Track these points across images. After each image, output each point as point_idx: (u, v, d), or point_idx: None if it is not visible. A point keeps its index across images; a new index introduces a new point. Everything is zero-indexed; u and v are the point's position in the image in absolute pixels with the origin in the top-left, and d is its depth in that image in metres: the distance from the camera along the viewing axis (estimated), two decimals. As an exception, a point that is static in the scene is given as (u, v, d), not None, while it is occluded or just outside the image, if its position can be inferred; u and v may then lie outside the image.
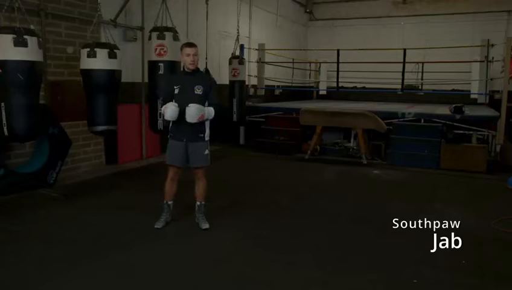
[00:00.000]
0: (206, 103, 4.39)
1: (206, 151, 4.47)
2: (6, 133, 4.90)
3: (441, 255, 3.99)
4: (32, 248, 3.99)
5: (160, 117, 4.41)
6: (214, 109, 4.40)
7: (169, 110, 4.22)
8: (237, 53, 9.61)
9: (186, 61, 4.36)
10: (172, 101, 4.35)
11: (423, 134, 8.35)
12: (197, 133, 4.39)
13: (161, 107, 4.54)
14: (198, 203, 4.58)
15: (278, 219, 4.98)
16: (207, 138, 4.47)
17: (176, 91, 4.35)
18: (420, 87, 12.91)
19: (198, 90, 4.35)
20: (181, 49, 4.45)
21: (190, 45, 4.45)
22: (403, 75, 10.42)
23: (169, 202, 4.57)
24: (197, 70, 4.48)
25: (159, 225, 4.49)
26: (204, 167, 4.52)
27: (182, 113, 4.22)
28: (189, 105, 4.20)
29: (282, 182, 6.88)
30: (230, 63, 9.42)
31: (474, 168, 7.67)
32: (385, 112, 9.04)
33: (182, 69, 4.57)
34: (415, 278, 3.56)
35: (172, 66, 6.51)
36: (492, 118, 8.36)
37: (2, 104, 4.85)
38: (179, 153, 4.39)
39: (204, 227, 4.49)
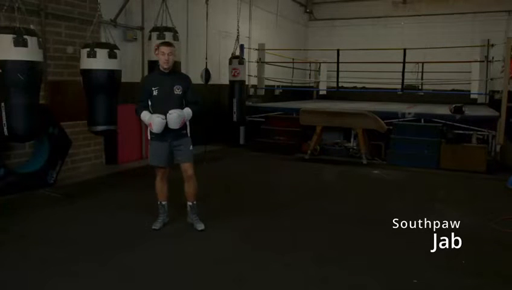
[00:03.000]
0: (184, 102, 4.35)
1: (191, 147, 4.45)
2: (6, 133, 4.91)
3: (441, 255, 3.98)
4: (33, 247, 4.00)
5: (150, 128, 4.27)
6: (196, 105, 4.38)
7: (158, 123, 4.17)
8: (237, 53, 9.62)
9: (161, 59, 4.28)
10: (148, 102, 4.30)
11: (423, 134, 8.35)
12: (179, 130, 4.35)
13: (138, 110, 4.33)
14: (190, 203, 4.52)
15: (277, 219, 4.98)
16: (189, 133, 4.44)
17: (155, 92, 4.28)
18: (420, 87, 12.91)
19: (178, 90, 4.31)
20: (157, 48, 4.35)
21: (166, 44, 4.40)
22: (403, 75, 10.41)
23: (163, 202, 4.55)
24: (173, 70, 4.41)
25: (156, 225, 4.48)
26: (191, 162, 4.45)
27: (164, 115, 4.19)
28: (169, 112, 4.18)
29: (282, 182, 6.88)
30: (230, 63, 9.43)
31: (474, 168, 7.67)
32: (385, 112, 9.04)
33: (157, 69, 4.43)
34: (415, 278, 3.56)
35: (173, 66, 6.50)
36: (492, 118, 8.36)
37: (2, 104, 4.86)
38: (163, 153, 4.35)
39: (200, 228, 4.45)
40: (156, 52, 4.34)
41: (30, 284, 3.37)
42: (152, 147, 4.43)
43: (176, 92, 4.30)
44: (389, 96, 12.83)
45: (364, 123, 8.46)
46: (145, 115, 4.27)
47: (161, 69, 4.35)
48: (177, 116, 4.20)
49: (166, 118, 4.19)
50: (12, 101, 4.84)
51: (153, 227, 4.46)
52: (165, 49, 4.28)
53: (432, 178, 7.40)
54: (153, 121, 4.19)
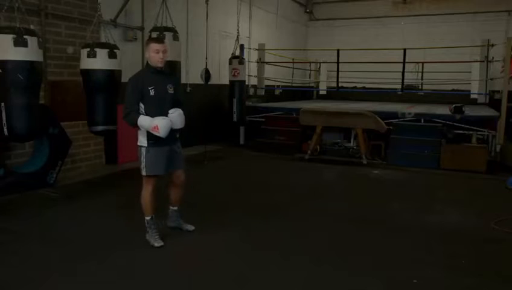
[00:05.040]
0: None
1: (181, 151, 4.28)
2: (6, 133, 4.91)
3: (441, 255, 3.99)
4: (33, 247, 4.00)
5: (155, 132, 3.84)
6: (182, 105, 4.10)
7: (166, 126, 3.81)
8: (237, 53, 9.63)
9: (154, 58, 3.92)
10: (140, 105, 3.89)
11: (423, 134, 8.36)
12: (176, 133, 4.11)
13: (130, 115, 3.87)
14: (176, 208, 4.40)
15: (277, 219, 4.97)
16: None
17: (151, 92, 3.89)
18: (420, 87, 12.92)
19: (171, 90, 4.03)
20: (147, 45, 4.02)
21: (158, 40, 4.10)
22: (403, 75, 10.42)
23: (153, 215, 4.16)
24: (162, 67, 4.04)
25: (158, 241, 4.08)
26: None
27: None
28: (170, 112, 3.89)
29: (282, 182, 6.87)
30: (230, 63, 9.43)
31: (474, 168, 7.67)
32: (385, 112, 9.04)
33: (147, 67, 4.07)
34: (415, 278, 3.55)
35: (173, 66, 6.51)
36: (492, 118, 8.36)
37: (2, 104, 4.86)
38: (164, 160, 4.02)
39: (191, 229, 4.40)
40: (148, 51, 3.97)
41: (30, 283, 3.36)
42: (151, 155, 3.96)
43: (169, 91, 4.01)
44: (389, 96, 12.83)
45: (364, 123, 8.46)
46: (144, 120, 3.83)
47: (153, 66, 3.98)
48: (178, 115, 3.91)
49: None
50: (12, 101, 4.83)
51: (156, 245, 4.03)
52: (158, 46, 3.93)
53: (432, 178, 7.40)
54: (160, 124, 3.79)
